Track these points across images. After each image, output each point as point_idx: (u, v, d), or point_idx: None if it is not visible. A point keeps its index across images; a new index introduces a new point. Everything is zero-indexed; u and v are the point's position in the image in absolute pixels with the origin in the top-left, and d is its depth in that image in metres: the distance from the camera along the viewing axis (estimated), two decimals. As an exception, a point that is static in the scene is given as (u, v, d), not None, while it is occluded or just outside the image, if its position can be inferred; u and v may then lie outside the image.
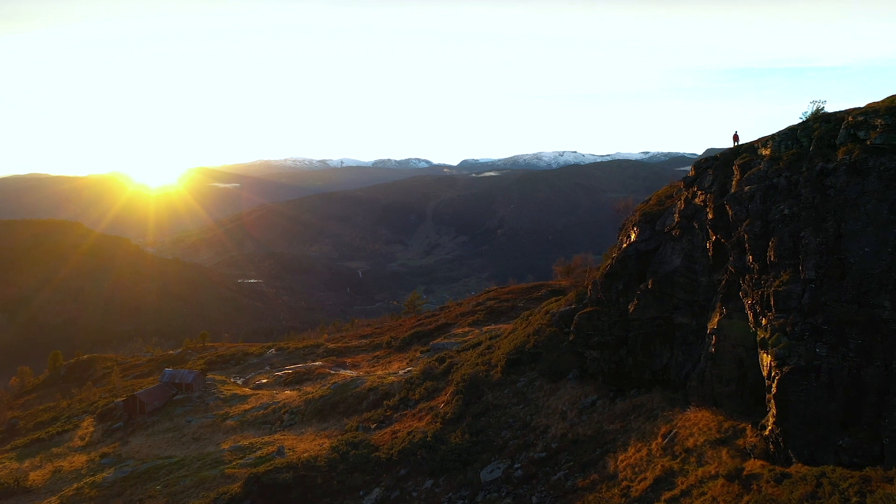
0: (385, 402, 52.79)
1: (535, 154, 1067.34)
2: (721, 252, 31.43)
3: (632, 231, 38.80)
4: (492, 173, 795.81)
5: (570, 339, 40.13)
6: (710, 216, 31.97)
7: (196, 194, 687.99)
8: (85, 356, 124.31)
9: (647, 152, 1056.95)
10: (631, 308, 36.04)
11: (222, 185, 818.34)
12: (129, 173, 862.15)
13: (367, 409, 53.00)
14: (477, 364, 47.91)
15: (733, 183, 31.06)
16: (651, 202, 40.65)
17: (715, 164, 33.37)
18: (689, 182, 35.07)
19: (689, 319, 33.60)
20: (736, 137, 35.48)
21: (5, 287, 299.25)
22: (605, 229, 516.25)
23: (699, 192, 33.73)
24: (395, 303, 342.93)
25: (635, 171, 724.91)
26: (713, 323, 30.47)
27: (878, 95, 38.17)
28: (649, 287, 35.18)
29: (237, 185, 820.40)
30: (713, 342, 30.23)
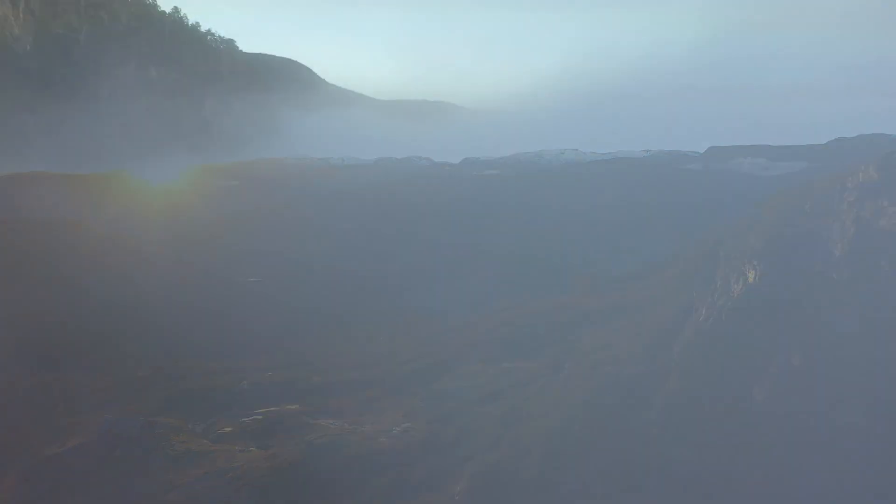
0: (372, 481, 39.56)
1: (536, 152, 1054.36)
2: (955, 319, 17.97)
3: (747, 268, 25.20)
4: (493, 171, 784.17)
5: (654, 432, 26.58)
6: (924, 253, 18.53)
7: (197, 192, 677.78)
8: (50, 377, 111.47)
9: (649, 150, 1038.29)
10: (759, 395, 22.59)
11: (223, 183, 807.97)
12: (130, 171, 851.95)
13: (346, 492, 39.71)
14: (499, 443, 34.49)
15: (979, 196, 17.57)
16: (768, 220, 27.05)
17: (926, 163, 19.80)
18: (865, 191, 21.45)
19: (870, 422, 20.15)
20: None
21: (4, 287, 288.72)
22: (606, 227, 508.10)
23: (889, 207, 20.22)
24: (395, 303, 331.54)
25: (638, 170, 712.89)
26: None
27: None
28: (794, 363, 21.72)
29: (238, 182, 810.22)
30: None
